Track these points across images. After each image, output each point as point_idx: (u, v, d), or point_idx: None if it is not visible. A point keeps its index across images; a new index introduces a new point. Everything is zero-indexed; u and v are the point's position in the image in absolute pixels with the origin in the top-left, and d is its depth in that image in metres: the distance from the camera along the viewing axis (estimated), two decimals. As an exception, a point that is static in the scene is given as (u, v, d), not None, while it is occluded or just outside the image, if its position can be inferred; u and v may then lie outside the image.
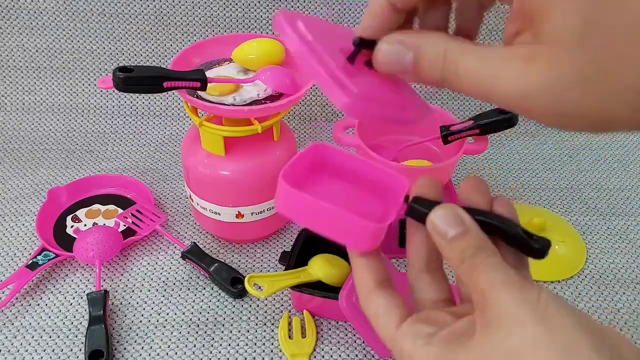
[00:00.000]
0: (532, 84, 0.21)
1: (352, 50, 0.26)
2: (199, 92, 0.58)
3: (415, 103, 0.29)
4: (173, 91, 0.55)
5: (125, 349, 0.56)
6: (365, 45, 0.26)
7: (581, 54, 0.19)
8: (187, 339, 0.57)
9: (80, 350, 0.56)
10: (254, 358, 0.56)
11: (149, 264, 0.66)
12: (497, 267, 0.26)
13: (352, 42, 0.26)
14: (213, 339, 0.58)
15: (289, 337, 0.58)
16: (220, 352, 0.56)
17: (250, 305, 0.61)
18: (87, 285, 0.63)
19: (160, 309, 0.60)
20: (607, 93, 0.19)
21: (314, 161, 0.33)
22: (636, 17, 0.18)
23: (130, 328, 0.58)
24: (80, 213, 0.71)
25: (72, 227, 0.69)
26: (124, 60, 0.84)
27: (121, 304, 0.61)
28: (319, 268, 0.58)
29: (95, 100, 0.86)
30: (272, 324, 0.59)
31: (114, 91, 0.85)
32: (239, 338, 0.58)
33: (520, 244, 0.28)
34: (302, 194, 0.29)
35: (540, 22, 0.21)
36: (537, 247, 0.28)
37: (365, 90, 0.26)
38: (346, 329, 0.59)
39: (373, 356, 0.57)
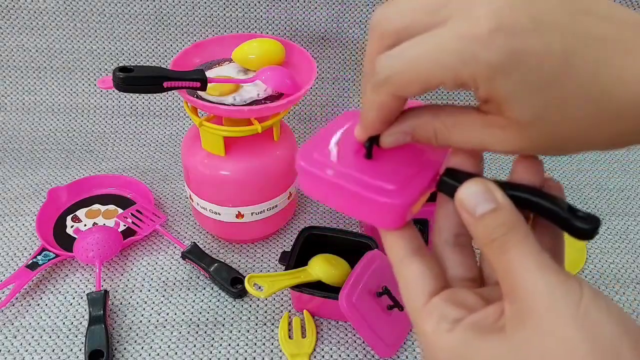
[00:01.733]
0: (513, 145, 0.25)
1: (366, 150, 0.29)
2: (199, 92, 0.58)
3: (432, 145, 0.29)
4: (173, 91, 0.55)
5: (125, 349, 0.56)
6: (374, 139, 0.29)
7: (533, 131, 0.24)
8: (187, 339, 0.57)
9: (80, 350, 0.56)
10: (254, 358, 0.56)
11: (149, 264, 0.66)
12: (533, 250, 0.23)
13: (364, 144, 0.29)
14: (213, 339, 0.58)
15: (289, 337, 0.58)
16: (220, 352, 0.56)
17: (250, 305, 0.61)
18: (87, 285, 0.63)
19: (160, 309, 0.60)
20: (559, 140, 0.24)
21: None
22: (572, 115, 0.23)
23: (130, 328, 0.58)
24: (80, 213, 0.71)
25: (72, 227, 0.69)
26: (124, 60, 0.84)
27: (121, 304, 0.61)
28: (319, 268, 0.58)
29: (95, 100, 0.86)
30: (272, 324, 0.59)
31: (114, 91, 0.85)
32: (239, 338, 0.58)
33: (560, 221, 0.25)
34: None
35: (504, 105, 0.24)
36: (581, 226, 0.24)
37: (398, 179, 0.27)
38: (346, 329, 0.59)
39: (373, 356, 0.57)
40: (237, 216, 0.63)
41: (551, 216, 0.25)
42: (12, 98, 0.85)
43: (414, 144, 0.29)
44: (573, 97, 0.23)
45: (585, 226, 0.24)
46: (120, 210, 0.71)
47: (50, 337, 0.57)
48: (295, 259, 0.60)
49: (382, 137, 0.28)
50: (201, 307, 0.61)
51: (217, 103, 0.56)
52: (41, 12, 0.81)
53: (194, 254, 0.64)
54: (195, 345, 0.57)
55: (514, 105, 0.24)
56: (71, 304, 0.61)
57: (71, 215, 0.71)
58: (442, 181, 0.28)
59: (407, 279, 0.27)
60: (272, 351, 0.57)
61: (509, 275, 0.23)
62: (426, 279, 0.26)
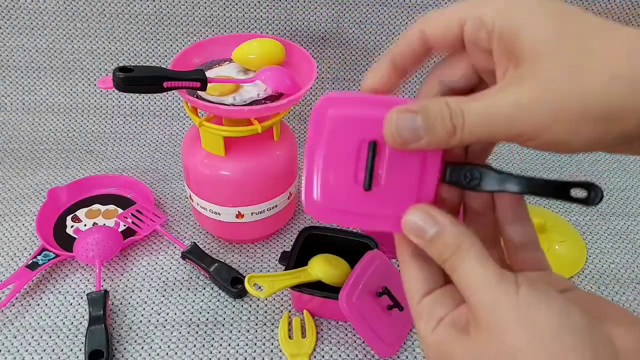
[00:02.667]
0: (529, 99, 0.23)
1: (365, 181, 0.28)
2: (199, 92, 0.58)
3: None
4: (173, 91, 0.55)
5: (125, 349, 0.56)
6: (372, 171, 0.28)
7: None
8: (187, 339, 0.57)
9: (80, 350, 0.56)
10: (254, 358, 0.56)
11: (149, 264, 0.66)
12: (475, 268, 0.25)
13: (364, 179, 0.28)
14: (213, 339, 0.58)
15: (289, 337, 0.58)
16: (220, 352, 0.56)
17: (250, 305, 0.61)
18: (87, 285, 0.63)
19: (160, 309, 0.60)
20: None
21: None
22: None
23: (130, 328, 0.58)
24: (80, 213, 0.71)
25: (72, 227, 0.69)
26: (124, 60, 0.84)
27: (121, 304, 0.61)
28: (319, 268, 0.58)
29: (95, 100, 0.85)
30: (272, 324, 0.59)
31: (114, 91, 0.85)
32: (239, 338, 0.58)
33: (561, 192, 0.26)
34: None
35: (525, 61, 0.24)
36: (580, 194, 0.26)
37: (403, 202, 0.28)
38: (346, 329, 0.59)
39: (373, 356, 0.57)
40: (237, 216, 0.63)
41: (551, 191, 0.27)
42: (12, 98, 0.85)
43: (405, 156, 0.28)
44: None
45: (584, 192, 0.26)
46: (120, 210, 0.71)
47: (50, 337, 0.57)
48: (295, 259, 0.60)
49: (389, 114, 0.26)
50: (201, 307, 0.61)
51: (217, 103, 0.56)
52: (41, 12, 0.81)
53: (194, 254, 0.64)
54: (195, 345, 0.57)
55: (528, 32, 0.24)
56: (71, 304, 0.61)
57: (71, 215, 0.71)
58: (451, 178, 0.28)
59: (405, 280, 0.29)
60: (272, 351, 0.57)
61: (461, 288, 0.26)
62: (420, 280, 0.28)
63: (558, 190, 0.26)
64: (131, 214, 0.69)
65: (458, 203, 0.30)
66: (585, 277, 0.66)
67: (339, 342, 0.58)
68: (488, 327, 0.24)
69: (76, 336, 0.57)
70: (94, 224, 0.70)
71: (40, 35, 0.83)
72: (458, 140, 0.25)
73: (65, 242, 0.67)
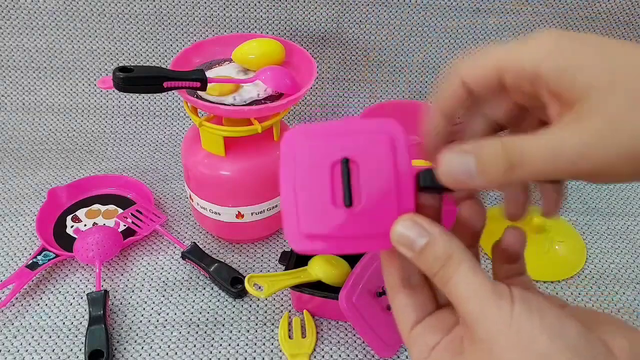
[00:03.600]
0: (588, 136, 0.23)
1: (344, 198, 0.27)
2: (199, 92, 0.58)
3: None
4: (173, 91, 0.55)
5: (125, 349, 0.56)
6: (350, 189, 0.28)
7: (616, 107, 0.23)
8: (187, 339, 0.57)
9: (80, 350, 0.56)
10: (254, 358, 0.56)
11: (149, 264, 0.66)
12: (468, 279, 0.25)
13: (344, 198, 0.27)
14: (213, 339, 0.58)
15: (289, 337, 0.58)
16: (220, 352, 0.56)
17: (250, 305, 0.61)
18: (87, 285, 0.63)
19: (160, 309, 0.60)
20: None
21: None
22: None
23: (130, 328, 0.58)
24: (80, 213, 0.71)
25: (72, 227, 0.69)
26: (124, 60, 0.84)
27: (121, 304, 0.61)
28: (319, 268, 0.58)
29: (95, 100, 0.85)
30: (272, 324, 0.59)
31: (114, 91, 0.85)
32: (239, 338, 0.58)
33: None
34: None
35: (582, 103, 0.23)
36: None
37: (386, 218, 0.27)
38: (346, 329, 0.59)
39: (373, 356, 0.57)
40: (237, 216, 0.63)
41: None
42: (12, 98, 0.85)
43: (378, 170, 0.28)
44: None
45: None
46: (120, 210, 0.71)
47: (50, 337, 0.57)
48: (295, 259, 0.60)
49: (441, 155, 0.26)
50: (201, 307, 0.61)
51: (217, 103, 0.56)
52: (41, 12, 0.81)
53: (194, 254, 0.64)
54: (195, 345, 0.57)
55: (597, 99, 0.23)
56: (71, 304, 0.61)
57: (71, 215, 0.71)
58: (422, 189, 0.28)
59: (395, 310, 0.29)
60: (272, 351, 0.57)
61: (454, 302, 0.25)
62: (409, 309, 0.28)
63: None
64: (131, 214, 0.69)
65: (438, 211, 0.29)
66: (585, 277, 0.66)
67: (339, 342, 0.58)
68: (481, 341, 0.24)
69: (76, 336, 0.57)
70: (94, 224, 0.70)
71: (40, 35, 0.83)
72: (515, 179, 0.24)
73: (65, 242, 0.67)
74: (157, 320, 0.59)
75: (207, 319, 0.60)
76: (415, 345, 0.27)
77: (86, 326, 0.57)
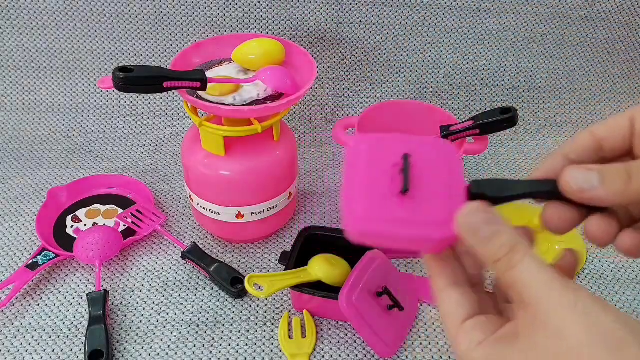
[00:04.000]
0: None
1: (403, 183, 0.30)
2: (199, 92, 0.58)
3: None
4: (173, 91, 0.55)
5: (125, 349, 0.56)
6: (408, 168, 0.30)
7: None
8: (187, 339, 0.57)
9: (80, 350, 0.56)
10: (254, 358, 0.56)
11: (149, 264, 0.66)
12: (533, 266, 0.26)
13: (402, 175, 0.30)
14: (213, 339, 0.58)
15: (289, 337, 0.58)
16: (220, 352, 0.56)
17: (250, 305, 0.61)
18: (87, 285, 0.63)
19: (160, 309, 0.60)
20: None
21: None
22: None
23: (130, 328, 0.58)
24: (80, 213, 0.71)
25: (72, 227, 0.69)
26: (124, 60, 0.84)
27: (121, 304, 0.61)
28: (319, 268, 0.58)
29: (95, 100, 0.85)
30: (272, 324, 0.59)
31: (114, 91, 0.85)
32: (239, 338, 0.58)
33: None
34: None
35: None
36: None
37: (440, 208, 0.29)
38: (346, 329, 0.59)
39: (373, 356, 0.57)
40: (237, 216, 0.63)
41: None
42: (12, 98, 0.85)
43: (434, 166, 0.30)
44: None
45: None
46: (120, 210, 0.71)
47: (50, 337, 0.57)
48: (295, 259, 0.60)
49: (567, 170, 0.28)
50: (201, 307, 0.61)
51: (217, 103, 0.56)
52: (41, 12, 0.81)
53: (194, 254, 0.64)
54: (195, 345, 0.57)
55: None
56: (71, 304, 0.61)
57: (71, 215, 0.71)
58: (472, 194, 0.30)
59: (447, 305, 0.30)
60: (272, 351, 0.57)
61: (517, 288, 0.26)
62: (460, 306, 0.30)
63: None
64: (131, 214, 0.69)
65: None
66: (585, 277, 0.66)
67: (339, 342, 0.58)
68: (543, 323, 0.25)
69: (76, 336, 0.57)
70: (94, 224, 0.70)
71: (40, 35, 0.83)
72: (634, 192, 0.27)
73: (65, 242, 0.67)
74: (157, 320, 0.59)
75: (207, 319, 0.60)
76: (466, 337, 0.28)
77: (86, 326, 0.57)
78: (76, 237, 0.65)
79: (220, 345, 0.57)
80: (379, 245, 0.30)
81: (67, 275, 0.64)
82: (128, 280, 0.64)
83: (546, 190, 0.30)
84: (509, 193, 0.30)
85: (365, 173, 0.30)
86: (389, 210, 0.29)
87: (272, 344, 0.57)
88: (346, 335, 0.59)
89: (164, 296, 0.62)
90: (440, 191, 0.29)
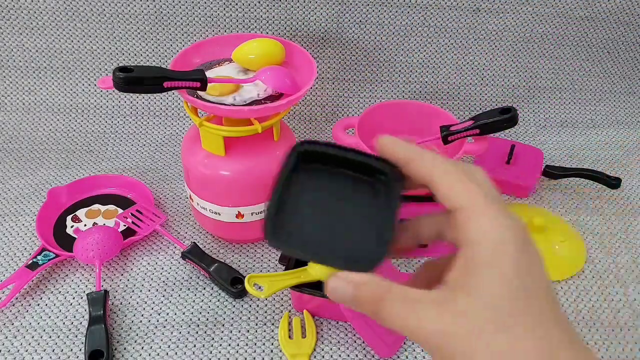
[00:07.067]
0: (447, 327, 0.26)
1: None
2: (199, 92, 0.58)
3: None
4: (173, 91, 0.55)
5: (125, 349, 0.56)
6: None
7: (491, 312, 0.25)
8: (187, 339, 0.57)
9: (80, 350, 0.56)
10: (254, 358, 0.56)
11: (149, 264, 0.66)
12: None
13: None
14: (213, 339, 0.58)
15: (289, 337, 0.58)
16: (220, 352, 0.56)
17: (250, 305, 0.61)
18: (87, 285, 0.63)
19: (160, 309, 0.60)
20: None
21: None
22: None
23: (130, 328, 0.58)
24: (80, 213, 0.71)
25: (72, 227, 0.69)
26: (124, 60, 0.84)
27: (121, 304, 0.61)
28: (319, 268, 0.58)
29: (95, 100, 0.85)
30: (272, 324, 0.59)
31: (114, 91, 0.85)
32: (239, 338, 0.58)
33: None
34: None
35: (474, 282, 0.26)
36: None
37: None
38: (346, 329, 0.59)
39: (373, 356, 0.57)
40: (237, 216, 0.63)
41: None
42: (12, 98, 0.85)
43: None
44: None
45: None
46: (120, 210, 0.71)
47: (50, 337, 0.57)
48: (295, 259, 0.60)
49: (328, 280, 0.29)
50: (201, 307, 0.61)
51: (217, 103, 0.56)
52: (41, 12, 0.81)
53: (194, 254, 0.64)
54: (195, 345, 0.57)
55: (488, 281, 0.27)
56: (71, 304, 0.61)
57: (71, 215, 0.71)
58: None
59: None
60: (272, 351, 0.57)
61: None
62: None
63: None
64: (131, 214, 0.69)
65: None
66: (585, 277, 0.66)
67: (339, 342, 0.58)
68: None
69: (76, 336, 0.57)
70: (94, 224, 0.70)
71: (40, 35, 0.83)
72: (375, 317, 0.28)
73: (65, 242, 0.67)
74: (157, 320, 0.59)
75: (207, 319, 0.60)
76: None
77: (86, 326, 0.57)
78: (76, 237, 0.65)
79: (220, 345, 0.57)
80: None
81: (67, 275, 0.64)
82: (128, 280, 0.64)
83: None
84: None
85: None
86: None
87: (272, 344, 0.57)
88: (346, 335, 0.59)
89: (164, 296, 0.62)
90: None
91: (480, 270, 0.26)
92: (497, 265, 0.26)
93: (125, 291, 0.62)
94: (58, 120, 0.85)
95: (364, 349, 0.57)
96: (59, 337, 0.57)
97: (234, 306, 0.61)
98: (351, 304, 0.29)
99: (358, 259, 0.30)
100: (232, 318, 0.60)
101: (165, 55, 0.84)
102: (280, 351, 0.57)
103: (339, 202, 0.32)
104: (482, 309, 0.25)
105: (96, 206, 0.73)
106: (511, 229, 0.26)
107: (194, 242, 0.66)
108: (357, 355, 0.57)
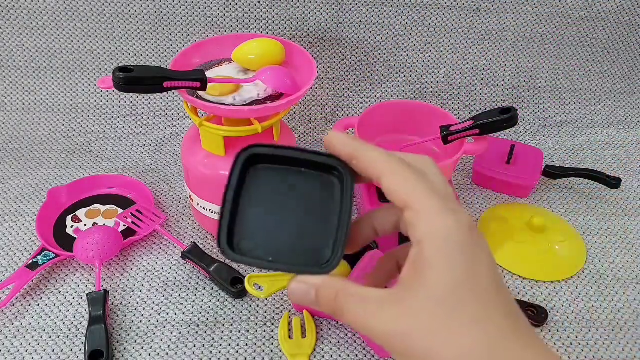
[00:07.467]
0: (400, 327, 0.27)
1: None
2: (199, 92, 0.58)
3: None
4: (173, 91, 0.55)
5: (125, 349, 0.56)
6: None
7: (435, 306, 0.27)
8: (187, 339, 0.57)
9: (80, 350, 0.56)
10: (254, 358, 0.56)
11: (149, 264, 0.66)
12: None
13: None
14: (213, 339, 0.58)
15: (289, 337, 0.58)
16: (220, 352, 0.56)
17: (250, 305, 0.61)
18: (87, 285, 0.63)
19: (160, 309, 0.60)
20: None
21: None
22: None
23: (130, 328, 0.58)
24: (80, 213, 0.71)
25: (72, 227, 0.69)
26: (124, 60, 0.84)
27: (121, 304, 0.61)
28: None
29: (95, 100, 0.85)
30: (272, 324, 0.59)
31: (114, 91, 0.85)
32: (239, 338, 0.58)
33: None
34: None
35: (420, 277, 0.27)
36: None
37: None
38: (346, 329, 0.59)
39: (373, 356, 0.57)
40: (237, 216, 0.63)
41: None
42: (12, 98, 0.85)
43: None
44: None
45: None
46: (120, 210, 0.71)
47: (50, 337, 0.57)
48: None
49: (290, 282, 0.31)
50: (201, 307, 0.61)
51: (217, 103, 0.56)
52: (41, 12, 0.81)
53: (194, 254, 0.64)
54: (195, 345, 0.57)
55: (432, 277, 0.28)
56: (71, 304, 0.61)
57: (71, 215, 0.71)
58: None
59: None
60: (272, 351, 0.57)
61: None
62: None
63: None
64: (131, 214, 0.69)
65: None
66: (585, 277, 0.66)
67: (339, 342, 0.58)
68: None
69: (76, 336, 0.57)
70: (94, 224, 0.70)
71: (40, 35, 0.83)
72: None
73: (65, 242, 0.67)
74: (157, 320, 0.59)
75: (207, 319, 0.60)
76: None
77: (86, 326, 0.57)
78: (76, 237, 0.65)
79: (220, 345, 0.57)
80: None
81: (67, 275, 0.64)
82: (128, 280, 0.64)
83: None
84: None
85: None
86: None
87: (272, 344, 0.57)
88: (346, 335, 0.59)
89: (164, 296, 0.62)
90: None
91: (426, 269, 0.27)
92: (439, 263, 0.27)
93: (125, 291, 0.62)
94: (58, 120, 0.85)
95: (364, 349, 0.57)
96: (59, 337, 0.57)
97: (234, 306, 0.61)
98: (312, 305, 0.30)
99: (314, 263, 0.30)
100: (232, 318, 0.60)
101: (165, 55, 0.84)
102: (280, 351, 0.57)
103: (292, 203, 0.32)
104: (430, 307, 0.26)
105: (96, 206, 0.73)
106: (454, 225, 0.27)
107: (194, 242, 0.66)
108: (357, 355, 0.57)
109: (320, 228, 0.31)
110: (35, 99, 0.85)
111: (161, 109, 0.86)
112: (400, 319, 0.27)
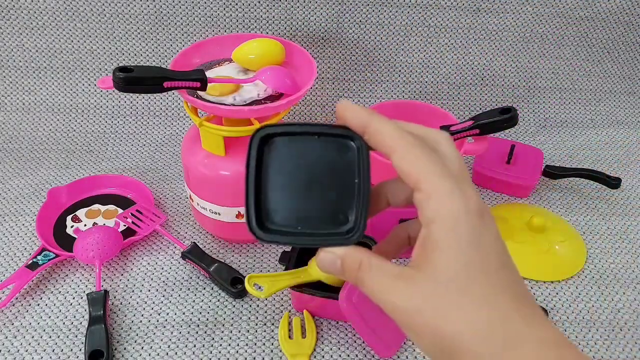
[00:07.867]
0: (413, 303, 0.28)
1: None
2: (199, 92, 0.58)
3: None
4: (173, 91, 0.55)
5: (125, 349, 0.56)
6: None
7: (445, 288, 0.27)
8: (187, 339, 0.57)
9: (80, 350, 0.56)
10: (254, 358, 0.56)
11: (149, 264, 0.66)
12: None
13: None
14: (213, 339, 0.58)
15: (289, 337, 0.58)
16: (220, 352, 0.56)
17: (250, 305, 0.61)
18: (87, 285, 0.63)
19: (160, 309, 0.60)
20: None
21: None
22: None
23: (130, 328, 0.58)
24: (80, 213, 0.71)
25: (72, 227, 0.69)
26: (124, 60, 0.84)
27: (121, 304, 0.61)
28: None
29: (95, 100, 0.85)
30: (272, 324, 0.59)
31: (114, 91, 0.85)
32: (239, 338, 0.58)
33: None
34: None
35: (432, 255, 0.28)
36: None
37: None
38: (346, 329, 0.59)
39: (373, 356, 0.57)
40: (237, 216, 0.63)
41: None
42: (12, 98, 0.85)
43: None
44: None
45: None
46: (120, 210, 0.71)
47: (50, 337, 0.57)
48: (295, 259, 0.60)
49: (319, 251, 0.32)
50: (201, 307, 0.61)
51: (217, 103, 0.56)
52: (41, 12, 0.81)
53: (194, 254, 0.64)
54: (195, 345, 0.57)
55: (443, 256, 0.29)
56: (71, 304, 0.61)
57: (71, 215, 0.71)
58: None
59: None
60: (272, 351, 0.57)
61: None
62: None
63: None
64: (131, 214, 0.69)
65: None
66: (585, 277, 0.66)
67: (339, 342, 0.58)
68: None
69: (76, 336, 0.57)
70: (94, 224, 0.70)
71: (40, 35, 0.83)
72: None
73: (65, 242, 0.67)
74: (157, 320, 0.59)
75: (207, 319, 0.60)
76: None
77: (86, 326, 0.57)
78: (76, 237, 0.65)
79: (220, 345, 0.57)
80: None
81: (67, 275, 0.64)
82: (128, 280, 0.64)
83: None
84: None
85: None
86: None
87: (272, 344, 0.57)
88: (346, 335, 0.59)
89: (164, 296, 0.62)
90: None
91: (435, 251, 0.28)
92: (448, 243, 0.27)
93: (125, 291, 0.62)
94: (58, 120, 0.85)
95: (364, 349, 0.57)
96: (59, 337, 0.57)
97: (234, 306, 0.61)
98: (337, 274, 0.31)
99: (340, 226, 0.31)
100: (232, 318, 0.60)
101: (165, 55, 0.84)
102: (280, 351, 0.57)
103: (311, 170, 0.32)
104: (439, 287, 0.27)
105: (96, 206, 0.73)
106: (463, 208, 0.27)
107: (194, 242, 0.66)
108: (357, 355, 0.57)
109: (341, 191, 0.32)
110: (35, 99, 0.85)
111: (161, 109, 0.86)
112: (412, 297, 0.28)
